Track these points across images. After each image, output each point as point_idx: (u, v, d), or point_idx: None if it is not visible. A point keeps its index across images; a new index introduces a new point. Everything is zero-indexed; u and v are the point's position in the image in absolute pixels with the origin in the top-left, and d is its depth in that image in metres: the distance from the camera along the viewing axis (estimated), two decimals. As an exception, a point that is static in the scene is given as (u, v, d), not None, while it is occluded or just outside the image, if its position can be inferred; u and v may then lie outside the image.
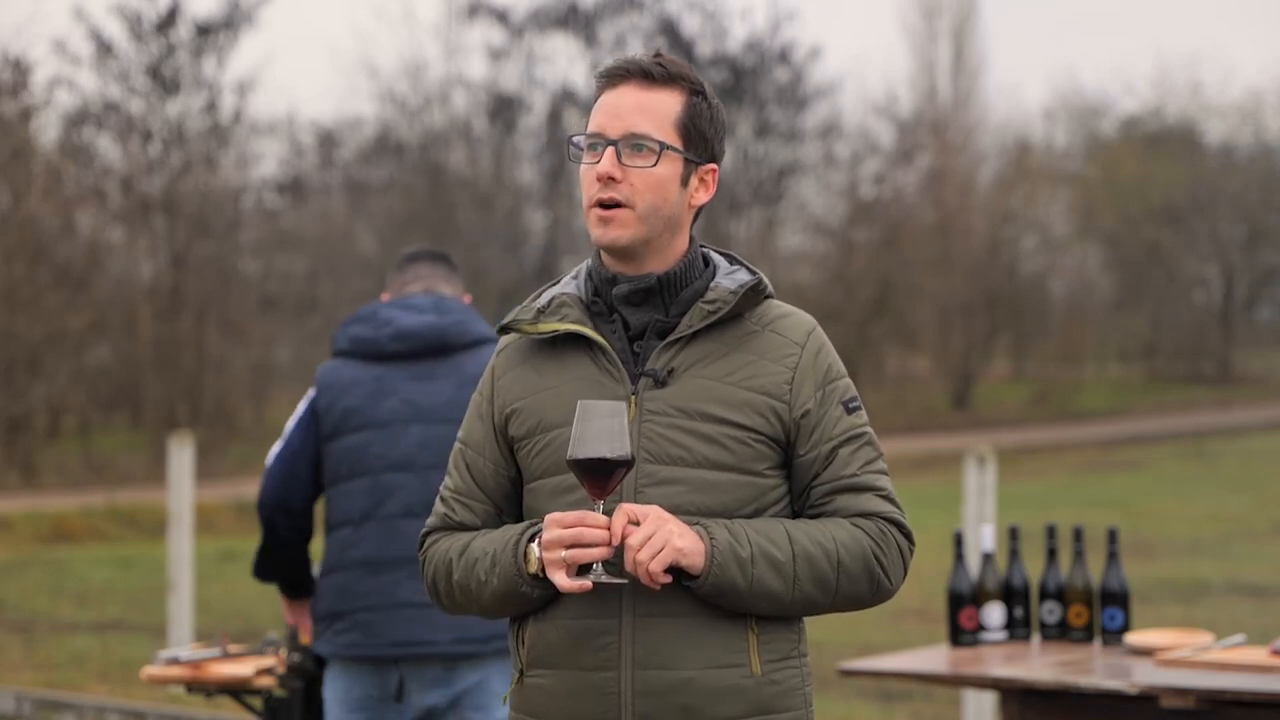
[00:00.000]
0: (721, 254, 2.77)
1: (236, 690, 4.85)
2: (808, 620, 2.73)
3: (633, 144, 2.64)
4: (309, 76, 48.79)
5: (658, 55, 2.70)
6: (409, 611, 4.28)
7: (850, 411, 2.68)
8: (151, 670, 4.96)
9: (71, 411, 25.83)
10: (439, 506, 2.77)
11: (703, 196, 2.72)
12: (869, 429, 2.71)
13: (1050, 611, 4.74)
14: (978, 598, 4.77)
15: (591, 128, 2.67)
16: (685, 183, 2.68)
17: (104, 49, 26.68)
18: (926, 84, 37.59)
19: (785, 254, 34.98)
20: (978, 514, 7.45)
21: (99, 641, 11.09)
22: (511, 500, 2.74)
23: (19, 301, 22.91)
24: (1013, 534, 4.83)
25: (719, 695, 2.59)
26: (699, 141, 2.69)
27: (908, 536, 2.68)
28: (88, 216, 26.19)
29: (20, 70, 24.64)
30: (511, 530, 2.65)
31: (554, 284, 2.78)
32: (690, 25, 32.81)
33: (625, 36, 32.14)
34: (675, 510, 2.57)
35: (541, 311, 2.71)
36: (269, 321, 27.38)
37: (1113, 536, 4.69)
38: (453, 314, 4.42)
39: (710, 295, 2.67)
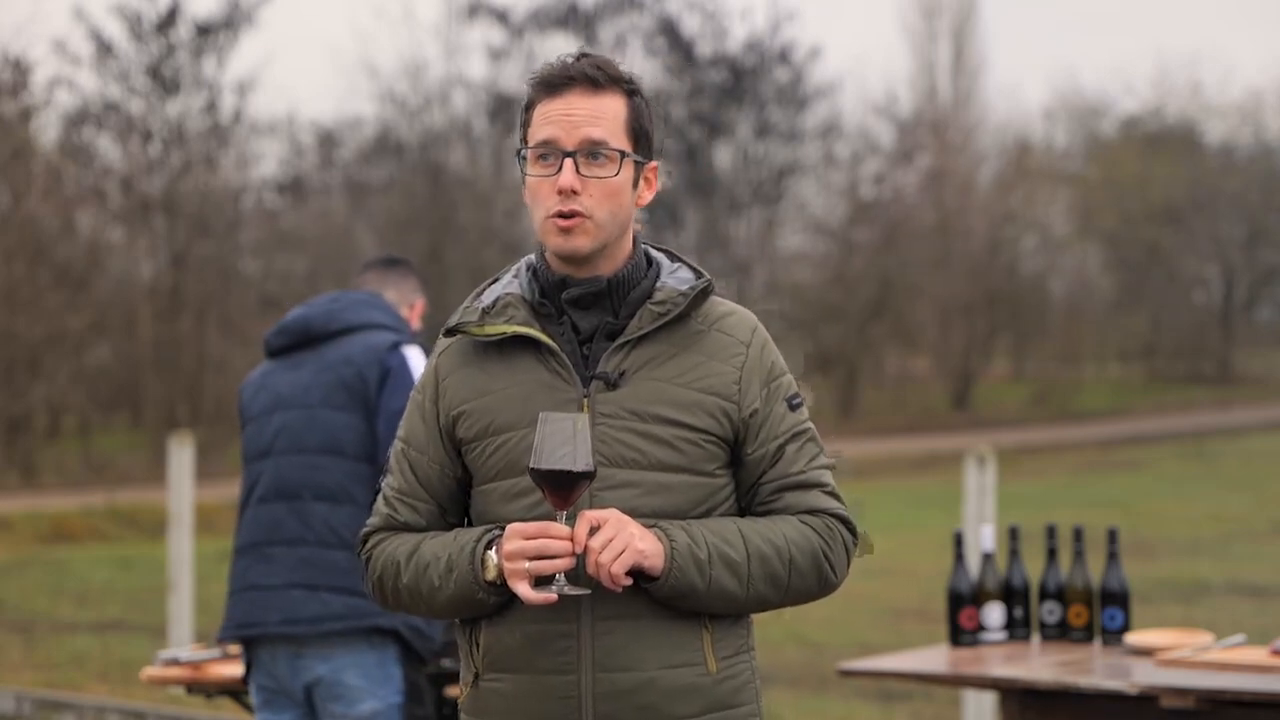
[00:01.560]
0: (661, 250, 2.77)
1: (236, 691, 4.85)
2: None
3: (590, 153, 2.62)
4: (309, 76, 48.81)
5: (589, 57, 2.67)
6: (252, 594, 4.38)
7: (793, 409, 2.70)
8: (151, 671, 4.96)
9: (71, 411, 25.84)
10: (381, 506, 2.75)
11: (648, 196, 2.73)
12: (810, 425, 2.73)
13: (1050, 611, 4.74)
14: (978, 598, 4.77)
15: (542, 136, 2.64)
16: (635, 185, 2.69)
17: (104, 49, 26.68)
18: (926, 84, 37.62)
19: (785, 254, 34.99)
20: (978, 514, 7.45)
21: (99, 641, 11.09)
22: (456, 500, 2.72)
23: (19, 301, 22.91)
24: (1013, 534, 4.83)
25: (678, 694, 2.60)
26: (645, 142, 2.69)
27: (852, 531, 2.71)
28: (88, 216, 26.20)
29: (20, 70, 24.65)
30: (465, 536, 2.63)
31: (494, 281, 2.76)
32: (690, 25, 32.84)
33: (625, 36, 32.15)
34: (631, 513, 2.57)
35: (486, 312, 2.70)
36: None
37: (1113, 536, 4.69)
38: (333, 304, 4.54)
39: (659, 296, 2.67)
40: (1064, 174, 39.26)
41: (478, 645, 2.66)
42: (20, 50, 25.16)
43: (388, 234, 28.65)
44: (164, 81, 26.64)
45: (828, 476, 2.71)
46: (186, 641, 8.72)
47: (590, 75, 2.64)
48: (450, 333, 2.73)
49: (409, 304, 4.74)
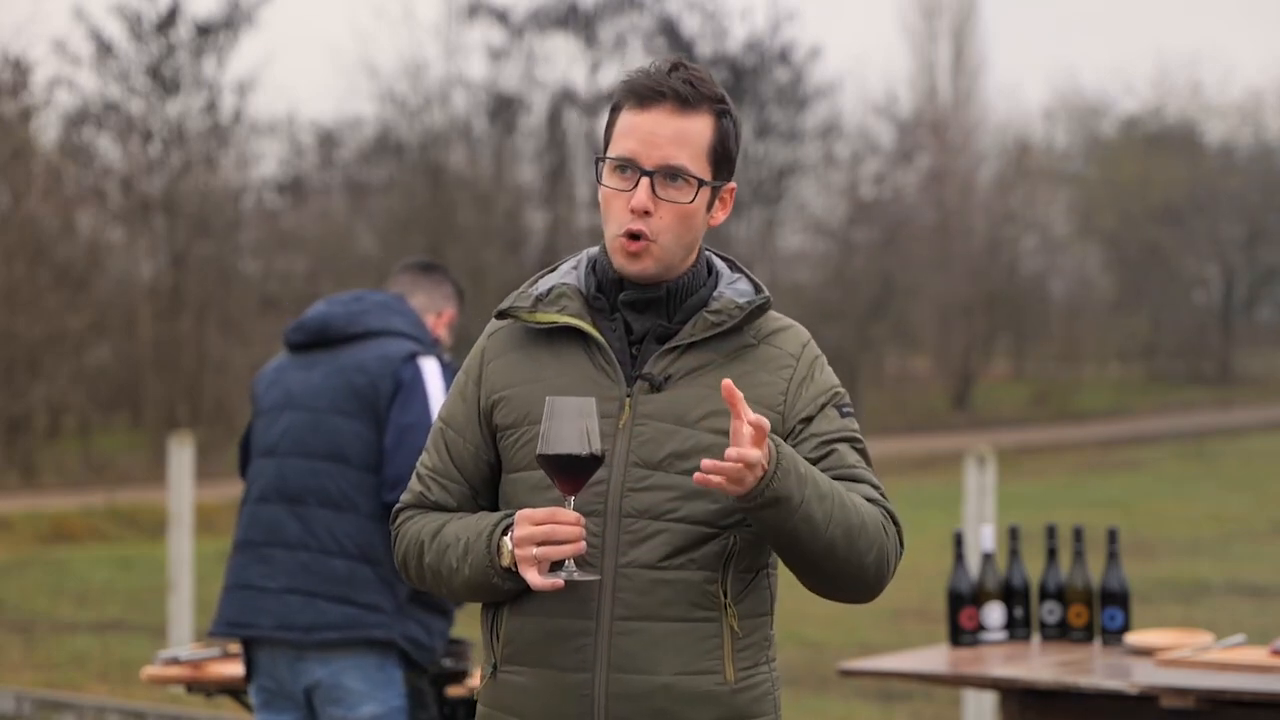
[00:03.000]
0: (722, 258, 2.76)
1: (236, 690, 4.85)
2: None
3: (668, 175, 2.60)
4: (309, 76, 48.80)
5: (685, 70, 2.63)
6: (248, 593, 4.36)
7: (844, 416, 2.68)
8: (151, 670, 4.96)
9: (71, 411, 25.81)
10: (414, 484, 2.74)
11: (721, 216, 2.71)
12: (863, 439, 2.70)
13: (1050, 611, 4.74)
14: (978, 598, 4.77)
15: (623, 151, 2.61)
16: (710, 207, 2.67)
17: (104, 49, 26.66)
18: (926, 84, 37.64)
19: (785, 254, 34.99)
20: (978, 514, 7.45)
21: (99, 641, 11.09)
22: (489, 484, 2.71)
23: (19, 301, 22.90)
24: (1013, 534, 4.84)
25: (693, 700, 2.58)
26: (726, 165, 2.66)
27: (900, 540, 2.68)
28: (88, 216, 26.17)
29: (20, 70, 24.63)
30: (486, 520, 2.62)
31: (551, 271, 2.75)
32: (690, 25, 32.83)
33: (625, 36, 32.13)
34: (663, 515, 2.57)
35: (540, 300, 2.68)
36: (269, 321, 27.35)
37: (1113, 536, 4.69)
38: (354, 305, 4.48)
39: (715, 306, 2.65)
40: (1064, 174, 39.30)
41: (498, 637, 2.66)
42: (20, 50, 25.14)
43: (388, 234, 28.64)
44: (164, 81, 26.61)
45: (878, 481, 2.67)
46: (186, 641, 8.72)
47: (681, 94, 2.60)
48: (501, 316, 2.72)
49: (437, 311, 4.66)
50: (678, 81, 2.60)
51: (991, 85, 59.41)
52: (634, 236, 2.60)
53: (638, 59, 31.55)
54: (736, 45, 33.03)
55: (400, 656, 4.33)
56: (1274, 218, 38.66)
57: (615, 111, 2.65)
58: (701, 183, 2.61)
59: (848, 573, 2.59)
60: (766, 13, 52.01)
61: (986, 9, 54.82)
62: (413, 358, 4.36)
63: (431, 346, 4.49)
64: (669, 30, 32.52)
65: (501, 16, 31.09)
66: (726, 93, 2.67)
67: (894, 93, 44.75)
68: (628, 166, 2.61)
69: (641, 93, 2.61)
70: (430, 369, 4.36)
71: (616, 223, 2.62)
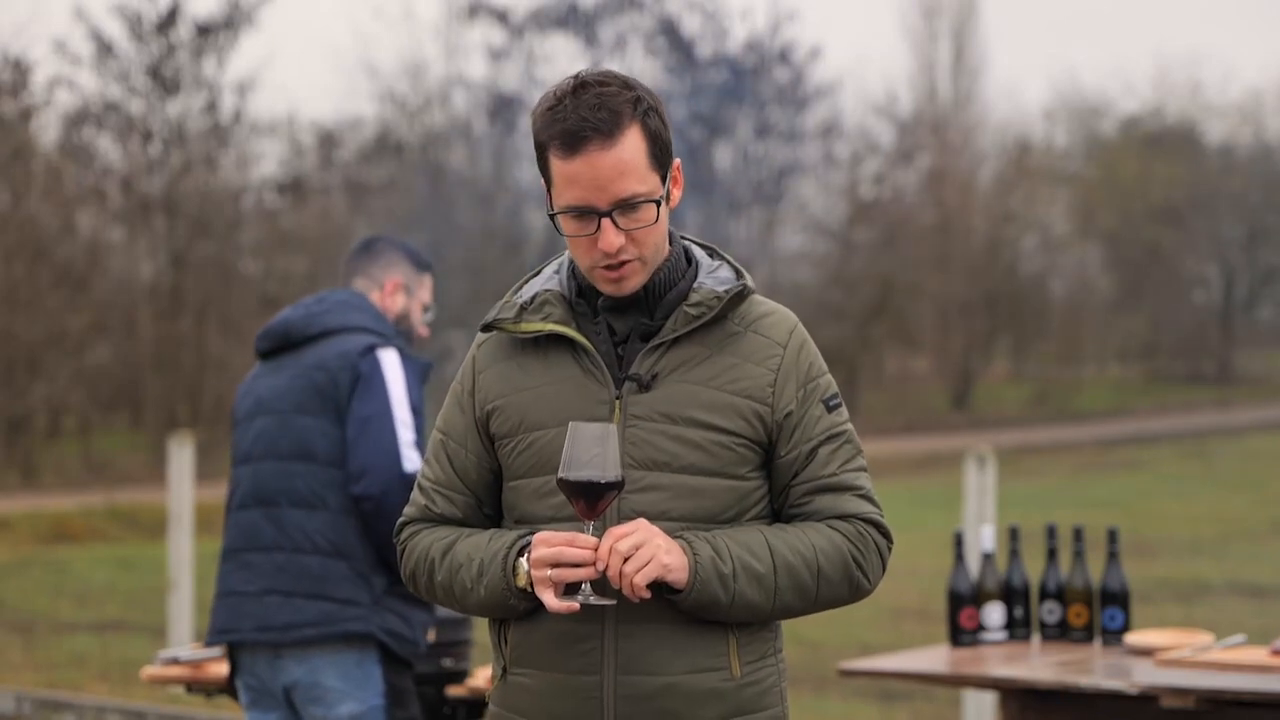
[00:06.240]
0: (701, 246, 2.75)
1: (236, 691, 4.85)
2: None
3: (626, 208, 2.58)
4: (309, 76, 48.77)
5: (592, 91, 2.56)
6: (232, 599, 4.39)
7: (831, 409, 2.68)
8: (151, 670, 4.96)
9: (71, 411, 25.81)
10: (418, 497, 2.75)
11: (678, 195, 2.69)
12: (849, 426, 2.70)
13: (1050, 611, 4.74)
14: (978, 598, 4.77)
15: (572, 201, 2.58)
16: (668, 199, 2.66)
17: (104, 49, 26.64)
18: (926, 84, 37.60)
19: (785, 254, 34.99)
20: (978, 514, 7.45)
21: (99, 641, 11.09)
22: (492, 492, 2.72)
23: (19, 301, 22.90)
24: (1013, 534, 4.84)
25: (700, 699, 2.60)
26: (665, 155, 2.64)
27: (886, 535, 2.69)
28: (88, 216, 26.18)
29: (20, 70, 24.64)
30: (499, 540, 2.63)
31: (534, 275, 2.75)
32: (690, 25, 32.79)
33: (625, 36, 32.12)
34: (660, 516, 2.57)
35: (524, 308, 2.69)
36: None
37: (1113, 536, 4.69)
38: (315, 306, 4.49)
39: (694, 298, 2.65)
40: (1064, 174, 39.26)
41: (506, 641, 2.67)
42: (20, 50, 25.16)
43: (388, 234, 28.57)
44: (164, 81, 26.60)
45: (864, 479, 2.68)
46: (186, 641, 8.71)
47: (603, 126, 2.54)
48: (487, 328, 2.72)
49: (379, 285, 4.58)
50: (590, 110, 2.54)
51: (991, 85, 59.40)
52: (613, 267, 2.61)
53: (638, 59, 31.57)
54: (736, 45, 33.02)
55: (381, 651, 4.32)
56: (1274, 218, 38.65)
57: (543, 150, 2.61)
58: (659, 201, 2.60)
59: (819, 608, 2.67)
60: (766, 13, 51.94)
61: (986, 9, 54.59)
62: (370, 350, 4.36)
63: (394, 337, 4.46)
64: (669, 30, 32.50)
65: (501, 16, 31.08)
66: (638, 83, 2.61)
67: (894, 93, 44.71)
68: (583, 213, 2.59)
69: (565, 140, 2.56)
70: (389, 360, 4.35)
71: (589, 259, 2.62)
